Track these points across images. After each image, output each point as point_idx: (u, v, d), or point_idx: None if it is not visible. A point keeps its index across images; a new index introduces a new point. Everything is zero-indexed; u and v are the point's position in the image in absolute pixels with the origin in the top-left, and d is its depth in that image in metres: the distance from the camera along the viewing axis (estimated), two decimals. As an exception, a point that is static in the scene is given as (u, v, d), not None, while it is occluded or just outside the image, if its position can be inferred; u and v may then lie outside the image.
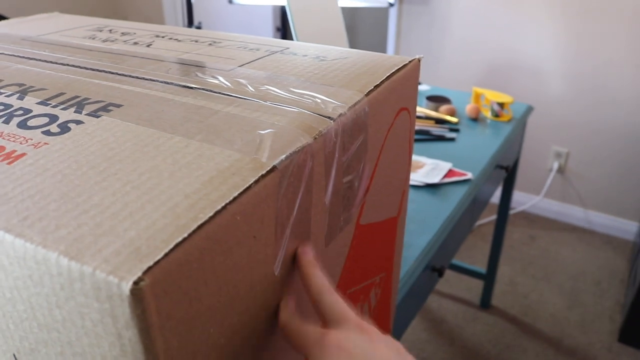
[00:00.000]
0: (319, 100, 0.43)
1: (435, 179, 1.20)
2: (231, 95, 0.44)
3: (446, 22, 2.61)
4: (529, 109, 1.67)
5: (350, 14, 2.81)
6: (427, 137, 1.44)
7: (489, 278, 2.07)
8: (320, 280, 0.38)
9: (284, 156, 0.34)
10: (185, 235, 0.27)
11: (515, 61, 2.51)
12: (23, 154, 0.36)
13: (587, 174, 2.55)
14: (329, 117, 0.41)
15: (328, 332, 0.35)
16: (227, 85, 0.47)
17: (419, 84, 1.86)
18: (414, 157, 1.32)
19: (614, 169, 2.47)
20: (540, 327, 2.07)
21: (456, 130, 1.50)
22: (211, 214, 0.28)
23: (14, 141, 0.38)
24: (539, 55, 2.44)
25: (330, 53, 0.57)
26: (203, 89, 0.46)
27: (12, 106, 0.44)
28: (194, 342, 0.29)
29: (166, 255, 0.26)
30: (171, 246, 0.26)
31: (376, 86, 0.47)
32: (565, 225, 2.69)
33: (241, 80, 0.48)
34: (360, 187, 0.47)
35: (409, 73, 0.54)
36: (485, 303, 2.14)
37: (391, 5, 2.13)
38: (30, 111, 0.43)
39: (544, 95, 2.50)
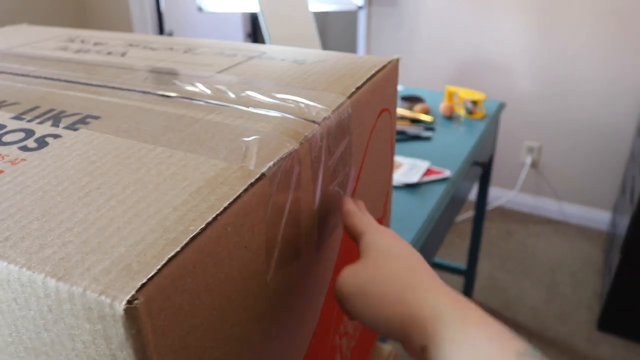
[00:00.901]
0: (302, 105, 0.42)
1: (414, 179, 1.20)
2: (212, 103, 0.43)
3: (414, 22, 2.63)
4: (501, 105, 1.68)
5: (320, 18, 2.81)
6: (403, 137, 1.45)
7: (469, 274, 2.08)
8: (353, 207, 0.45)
9: (271, 163, 0.34)
10: (178, 249, 0.26)
11: (484, 59, 2.54)
12: (0, 172, 0.35)
13: (559, 166, 2.59)
14: (313, 121, 0.40)
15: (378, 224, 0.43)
16: (206, 92, 0.46)
17: (392, 84, 1.86)
18: (392, 158, 1.32)
19: (585, 161, 2.51)
20: (521, 320, 2.09)
21: (431, 129, 1.51)
22: (202, 225, 0.28)
23: (-11, 159, 0.36)
24: (507, 52, 2.47)
25: (309, 56, 0.56)
26: (182, 97, 0.45)
27: (-16, 122, 0.42)
28: (189, 354, 0.28)
29: (159, 271, 0.25)
30: (163, 261, 0.25)
31: (358, 88, 0.47)
32: (540, 219, 2.73)
33: (221, 87, 0.47)
34: (347, 190, 0.47)
35: (389, 74, 0.54)
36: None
37: (360, 8, 2.14)
38: (5, 126, 0.41)
39: (514, 92, 2.54)
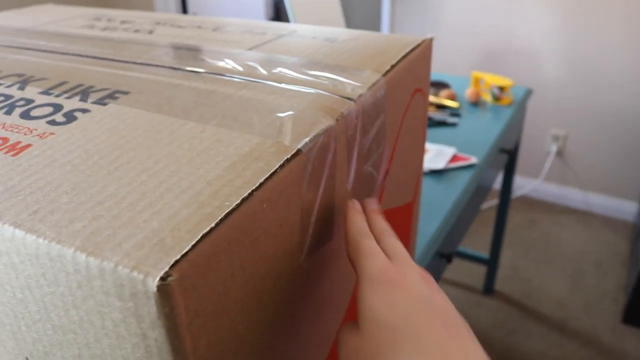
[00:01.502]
0: (336, 81, 0.41)
1: (440, 165, 1.18)
2: (243, 79, 0.42)
3: (439, 7, 2.58)
4: (529, 92, 1.65)
5: (344, 3, 2.78)
6: (428, 122, 1.42)
7: (491, 263, 2.06)
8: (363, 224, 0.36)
9: (307, 139, 0.32)
10: (212, 225, 0.25)
11: (511, 44, 2.49)
12: (28, 145, 0.34)
13: (585, 156, 2.54)
14: (348, 98, 0.38)
15: (391, 265, 0.32)
16: (237, 69, 0.44)
17: (417, 69, 1.83)
18: (417, 143, 1.30)
19: (611, 151, 2.46)
20: (544, 310, 2.06)
21: (457, 115, 1.48)
22: (237, 201, 0.26)
23: (17, 132, 0.35)
24: (535, 38, 2.42)
25: (340, 35, 0.54)
26: (212, 74, 0.43)
27: (13, 97, 0.41)
28: (223, 340, 0.27)
29: (193, 247, 0.24)
30: (198, 237, 0.24)
31: (392, 66, 0.45)
32: (564, 208, 2.68)
33: (251, 64, 0.45)
34: (380, 171, 0.45)
35: (422, 53, 0.52)
36: (488, 288, 2.13)
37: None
38: (33, 101, 0.40)
39: (541, 79, 2.49)
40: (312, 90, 0.39)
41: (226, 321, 0.27)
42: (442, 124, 1.42)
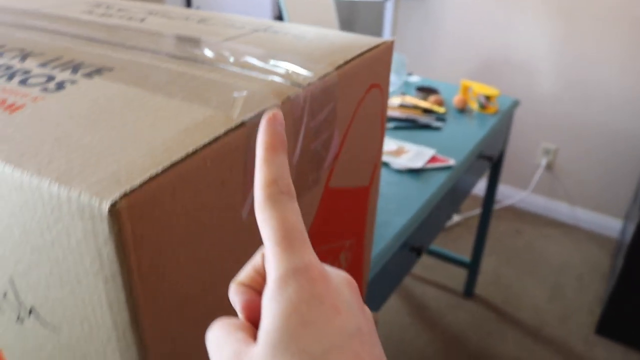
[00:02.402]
0: (291, 71, 0.48)
1: (418, 164, 1.24)
2: (213, 65, 0.49)
3: (440, 17, 2.65)
4: (515, 103, 1.71)
5: (348, 7, 2.85)
6: (413, 125, 1.49)
7: (472, 267, 2.12)
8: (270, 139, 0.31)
9: (252, 114, 0.39)
10: (159, 170, 0.31)
11: (507, 57, 2.56)
12: (22, 105, 0.40)
13: (574, 170, 2.60)
14: (299, 85, 0.45)
15: (315, 262, 0.27)
16: (210, 56, 0.51)
17: (410, 74, 1.90)
18: (399, 143, 1.37)
19: (601, 167, 2.52)
20: (521, 316, 2.13)
21: (442, 120, 1.55)
22: (183, 155, 0.33)
23: (14, 95, 0.42)
24: (531, 52, 2.49)
25: (310, 33, 0.61)
26: (188, 58, 0.50)
27: (13, 67, 0.48)
28: (165, 265, 0.34)
29: (141, 185, 0.30)
30: (146, 178, 0.31)
31: (347, 61, 0.52)
32: (551, 221, 2.75)
33: (224, 52, 0.52)
34: (329, 152, 0.52)
35: (382, 53, 0.59)
36: (468, 291, 2.19)
37: (387, -2, 2.18)
38: (30, 71, 0.47)
39: (535, 92, 2.55)
40: (269, 77, 0.46)
41: (168, 250, 0.34)
42: (426, 127, 1.49)
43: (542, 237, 2.62)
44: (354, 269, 0.70)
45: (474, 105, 1.64)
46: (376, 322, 0.80)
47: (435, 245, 2.44)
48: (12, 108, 0.40)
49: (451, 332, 2.04)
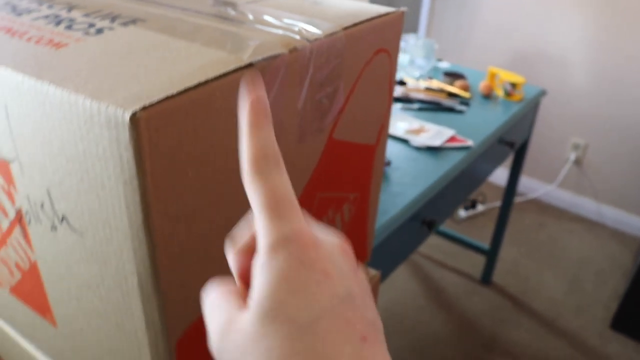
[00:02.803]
0: (303, 29, 0.53)
1: (437, 142, 1.29)
2: (234, 20, 0.55)
3: (476, 6, 2.67)
4: (542, 92, 1.74)
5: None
6: (437, 107, 1.53)
7: (491, 254, 2.15)
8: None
9: (260, 57, 0.45)
10: (174, 92, 0.38)
11: (540, 49, 2.56)
12: (67, 44, 0.47)
13: (603, 167, 2.60)
14: (307, 40, 0.51)
15: (304, 225, 0.27)
16: (232, 13, 0.57)
17: (440, 60, 1.94)
18: (421, 123, 1.41)
19: (631, 166, 2.51)
20: (536, 307, 2.15)
21: (466, 104, 1.58)
22: (196, 83, 0.39)
23: (60, 37, 0.49)
24: (565, 46, 2.49)
25: (327, 1, 0.67)
26: (212, 15, 0.56)
27: (61, 16, 0.55)
28: (174, 175, 0.40)
29: (159, 102, 0.36)
30: (163, 97, 0.37)
31: (355, 24, 0.57)
32: (575, 216, 2.75)
33: (245, 11, 0.58)
34: (334, 104, 0.58)
35: (391, 20, 0.64)
36: (486, 279, 2.22)
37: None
38: (75, 20, 0.54)
39: (567, 86, 2.55)
40: (281, 32, 0.52)
41: (179, 162, 0.40)
42: (450, 110, 1.53)
43: (565, 231, 2.63)
44: (358, 223, 0.75)
45: (499, 92, 1.67)
46: (376, 281, 0.86)
47: (456, 232, 2.47)
48: (58, 45, 0.47)
49: (466, 317, 2.08)
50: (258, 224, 0.27)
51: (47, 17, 0.55)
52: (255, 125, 0.30)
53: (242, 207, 0.50)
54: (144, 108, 0.36)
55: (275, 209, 0.27)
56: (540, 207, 2.81)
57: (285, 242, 0.26)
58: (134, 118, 0.35)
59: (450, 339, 1.98)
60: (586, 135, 2.58)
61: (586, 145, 2.59)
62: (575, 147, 2.62)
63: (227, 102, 0.43)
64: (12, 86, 0.43)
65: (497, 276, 2.29)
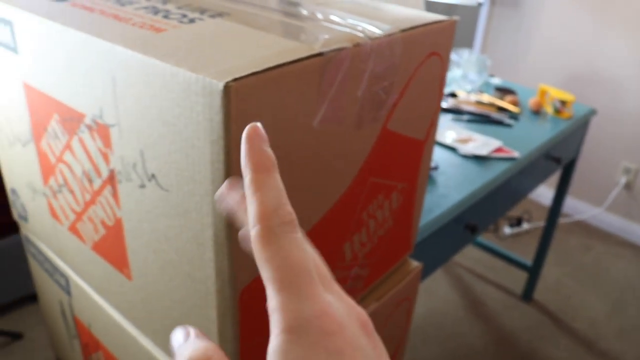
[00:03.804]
0: (366, 28, 0.61)
1: (483, 152, 1.34)
2: (305, 18, 0.63)
3: (534, 26, 2.69)
4: (592, 112, 1.76)
5: (445, 10, 2.94)
6: (486, 119, 1.58)
7: (533, 271, 2.17)
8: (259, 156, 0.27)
9: (329, 49, 0.52)
10: (258, 69, 0.45)
11: (593, 70, 2.57)
12: (165, 29, 0.56)
13: (654, 194, 2.57)
14: (368, 38, 0.58)
15: (328, 305, 0.24)
16: (305, 13, 0.65)
17: (492, 76, 1.98)
18: (469, 133, 1.47)
19: (683, 193, 2.48)
20: (577, 327, 2.15)
21: (515, 119, 1.63)
22: (274, 64, 0.47)
23: (159, 23, 0.58)
24: (618, 68, 2.49)
25: (387, 6, 0.74)
26: (287, 13, 0.64)
27: (158, 7, 0.64)
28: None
29: (246, 76, 0.44)
30: (249, 72, 0.45)
31: (411, 27, 0.64)
32: (623, 241, 2.72)
33: (316, 12, 0.66)
34: (389, 98, 0.65)
35: (444, 27, 0.71)
36: (527, 295, 2.24)
37: (480, 4, 2.26)
38: (170, 11, 0.63)
39: (619, 109, 2.55)
40: (347, 30, 0.59)
41: (257, 132, 0.48)
42: (498, 123, 1.57)
43: (612, 255, 2.61)
44: (405, 213, 0.82)
45: (548, 109, 1.71)
46: (417, 273, 0.92)
47: (499, 247, 2.49)
48: (158, 30, 0.56)
49: (503, 331, 2.10)
50: (272, 299, 0.24)
51: (146, 8, 0.64)
52: (262, 175, 0.26)
53: (305, 173, 0.57)
54: (235, 80, 0.44)
55: (291, 284, 0.23)
56: (587, 229, 2.80)
57: (307, 327, 0.23)
58: (226, 87, 0.43)
59: (486, 352, 2.01)
60: (638, 159, 2.57)
61: (637, 170, 2.58)
62: (627, 171, 2.61)
63: (300, 84, 0.50)
64: (122, 60, 0.52)
65: (538, 293, 2.30)
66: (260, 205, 0.25)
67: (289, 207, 0.25)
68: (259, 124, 0.27)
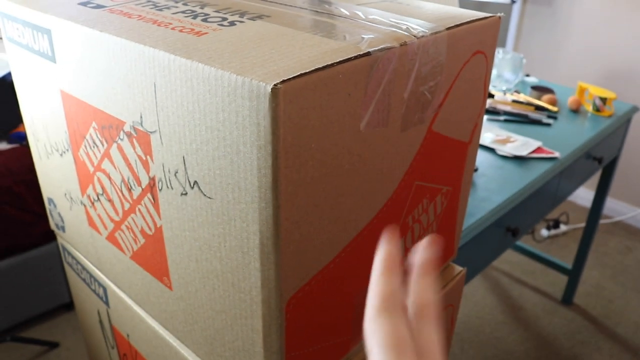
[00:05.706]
0: (410, 27, 0.58)
1: (523, 152, 1.30)
2: (348, 18, 0.61)
3: (567, 24, 2.63)
4: (634, 109, 1.70)
5: (476, 8, 2.90)
6: (524, 119, 1.54)
7: (573, 274, 2.11)
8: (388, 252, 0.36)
9: (376, 48, 0.50)
10: (306, 71, 0.43)
11: (633, 67, 2.49)
12: (206, 33, 0.54)
13: (698, 193, 2.49)
14: (414, 36, 0.56)
15: None
16: (346, 13, 0.63)
17: (527, 75, 1.94)
18: (508, 134, 1.43)
19: None
20: (620, 331, 2.09)
21: (554, 118, 1.58)
22: (321, 65, 0.45)
23: (199, 27, 0.56)
24: (662, 66, 2.41)
25: (429, 5, 0.71)
26: (328, 14, 0.62)
27: (196, 11, 0.63)
28: (300, 143, 0.46)
29: (294, 78, 0.42)
30: (297, 74, 0.43)
31: (457, 25, 0.62)
32: (666, 242, 2.64)
33: (357, 12, 0.64)
34: (434, 98, 0.62)
35: (488, 24, 0.68)
36: (567, 299, 2.18)
37: (513, 2, 2.21)
38: (209, 14, 0.61)
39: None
40: (392, 29, 0.57)
41: (305, 132, 0.46)
42: (537, 122, 1.53)
43: (654, 257, 2.53)
44: (449, 217, 0.79)
45: (588, 107, 1.66)
46: (461, 278, 0.89)
47: (538, 250, 2.43)
48: (199, 34, 0.54)
49: (544, 336, 2.05)
50: None
51: (184, 12, 0.62)
52: (386, 272, 0.32)
53: (352, 178, 0.55)
54: (283, 82, 0.42)
55: (395, 349, 0.27)
56: (628, 230, 2.72)
57: None
58: (274, 90, 0.41)
59: (526, 357, 1.95)
60: (680, 158, 2.49)
61: (680, 169, 2.50)
62: (668, 170, 2.53)
63: (347, 84, 0.48)
64: (163, 65, 0.50)
65: (579, 297, 2.24)
66: (383, 287, 0.32)
67: (404, 297, 0.32)
68: (395, 231, 0.35)
